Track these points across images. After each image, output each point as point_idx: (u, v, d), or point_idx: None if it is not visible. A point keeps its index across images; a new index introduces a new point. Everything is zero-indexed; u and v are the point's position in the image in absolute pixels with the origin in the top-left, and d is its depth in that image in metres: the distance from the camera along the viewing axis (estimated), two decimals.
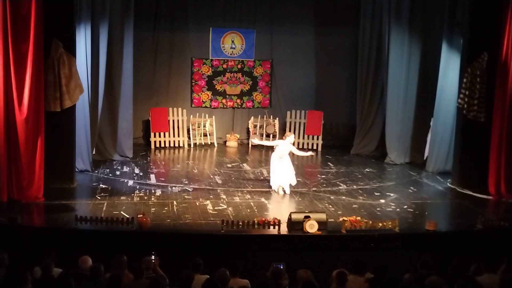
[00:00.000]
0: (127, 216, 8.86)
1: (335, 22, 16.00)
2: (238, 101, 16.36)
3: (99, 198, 10.37)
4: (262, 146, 13.02)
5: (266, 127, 15.87)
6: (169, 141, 15.38)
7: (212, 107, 16.17)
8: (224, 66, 16.16)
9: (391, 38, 14.01)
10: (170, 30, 15.62)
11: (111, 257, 6.59)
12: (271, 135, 15.35)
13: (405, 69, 14.02)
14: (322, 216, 8.83)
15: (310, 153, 12.56)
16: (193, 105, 16.00)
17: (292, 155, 11.61)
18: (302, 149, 13.67)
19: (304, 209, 10.01)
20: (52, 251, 6.88)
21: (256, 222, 8.74)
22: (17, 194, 9.89)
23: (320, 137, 15.65)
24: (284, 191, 11.00)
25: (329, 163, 14.01)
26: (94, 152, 12.89)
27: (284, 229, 8.74)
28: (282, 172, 10.94)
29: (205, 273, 6.51)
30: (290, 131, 15.04)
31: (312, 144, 15.59)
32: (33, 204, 9.86)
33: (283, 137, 11.45)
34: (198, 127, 15.59)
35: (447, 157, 12.89)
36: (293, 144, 11.46)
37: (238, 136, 16.07)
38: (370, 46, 15.15)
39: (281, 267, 6.71)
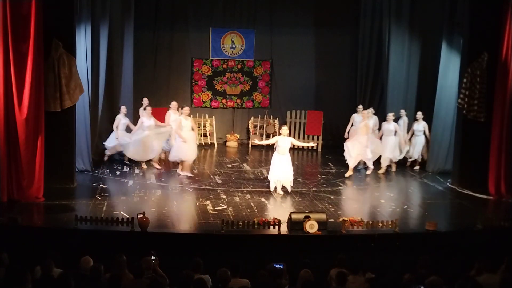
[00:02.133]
0: (127, 216, 8.86)
1: (335, 22, 16.00)
2: (238, 101, 16.37)
3: (99, 198, 10.37)
4: (262, 146, 13.01)
5: (266, 127, 15.88)
6: None
7: (212, 107, 16.18)
8: (224, 66, 16.16)
9: (391, 38, 14.04)
10: (170, 30, 15.62)
11: (111, 257, 6.59)
12: (271, 135, 15.35)
13: (405, 69, 14.04)
14: (322, 216, 8.84)
15: (312, 144, 12.68)
16: (193, 105, 15.99)
17: (293, 153, 11.65)
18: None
19: (304, 209, 10.01)
20: (53, 251, 6.87)
21: (256, 222, 8.74)
22: (17, 194, 9.89)
23: (320, 137, 15.65)
24: (284, 190, 11.00)
25: (329, 163, 14.00)
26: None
27: (284, 229, 8.74)
28: (281, 168, 10.94)
29: (205, 273, 6.51)
30: (288, 129, 14.94)
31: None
32: (33, 204, 9.86)
33: (279, 133, 11.55)
34: (198, 127, 15.59)
35: (447, 157, 12.90)
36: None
37: (238, 136, 16.07)
38: (370, 46, 15.16)
39: (281, 267, 6.70)
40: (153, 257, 6.71)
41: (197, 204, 10.30)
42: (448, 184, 12.14)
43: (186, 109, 12.35)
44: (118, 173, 12.42)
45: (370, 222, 8.87)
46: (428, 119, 13.42)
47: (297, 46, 16.22)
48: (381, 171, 13.00)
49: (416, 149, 13.38)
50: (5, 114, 9.65)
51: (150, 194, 10.79)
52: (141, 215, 8.63)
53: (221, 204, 10.27)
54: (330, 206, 10.36)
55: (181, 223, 9.23)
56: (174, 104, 12.97)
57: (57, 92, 10.41)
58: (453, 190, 11.76)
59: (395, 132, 13.12)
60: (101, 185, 11.22)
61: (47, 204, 9.89)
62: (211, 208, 10.01)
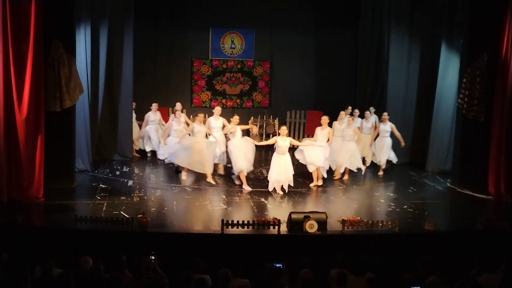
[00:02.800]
0: (127, 216, 8.86)
1: (335, 22, 16.00)
2: (238, 101, 16.37)
3: (99, 198, 10.36)
4: (262, 146, 12.99)
5: (266, 127, 15.87)
6: None
7: (212, 107, 16.15)
8: (224, 66, 16.16)
9: (391, 38, 14.05)
10: (170, 30, 15.62)
11: (111, 257, 6.59)
12: (271, 135, 15.34)
13: (405, 69, 14.05)
14: (322, 216, 8.83)
15: (313, 143, 12.53)
16: (193, 105, 16.01)
17: (293, 153, 11.67)
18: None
19: (304, 209, 10.01)
20: (53, 251, 6.87)
21: (256, 222, 8.74)
22: (17, 194, 9.89)
23: None
24: (283, 190, 10.99)
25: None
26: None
27: (284, 229, 8.74)
28: (280, 168, 10.94)
29: (205, 273, 6.51)
30: (287, 129, 14.73)
31: None
32: (33, 204, 9.86)
33: (278, 133, 11.54)
34: None
35: (447, 157, 12.90)
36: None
37: None
38: (370, 46, 15.16)
39: (281, 267, 6.71)
40: (153, 257, 6.71)
41: (197, 204, 10.30)
42: (448, 184, 12.14)
43: (236, 118, 11.70)
44: (118, 173, 12.42)
45: (370, 222, 8.87)
46: (428, 119, 13.43)
47: (297, 46, 16.22)
48: (337, 177, 12.26)
49: (384, 151, 12.81)
50: (5, 114, 9.65)
51: (150, 194, 10.79)
52: (141, 215, 8.63)
53: (221, 204, 10.27)
54: (330, 206, 10.36)
55: (181, 223, 9.22)
56: (218, 109, 12.27)
57: (57, 92, 10.41)
58: (453, 190, 11.77)
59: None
60: (101, 185, 11.22)
61: (47, 204, 9.88)
62: (211, 208, 10.01)
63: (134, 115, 14.17)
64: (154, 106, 13.93)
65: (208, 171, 11.66)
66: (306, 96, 16.38)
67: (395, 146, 13.10)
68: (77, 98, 10.79)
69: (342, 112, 12.83)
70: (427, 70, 13.77)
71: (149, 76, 15.59)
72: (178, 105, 13.37)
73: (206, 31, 15.84)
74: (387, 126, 12.84)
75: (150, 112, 13.87)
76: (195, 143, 11.69)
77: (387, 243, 8.68)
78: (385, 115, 12.94)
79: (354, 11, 15.69)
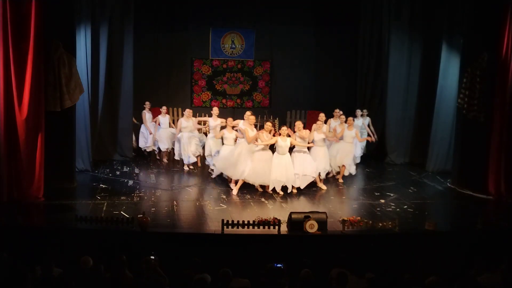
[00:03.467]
0: (127, 216, 8.86)
1: (335, 22, 15.96)
2: (238, 101, 16.37)
3: (99, 198, 10.37)
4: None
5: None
6: None
7: (212, 107, 16.15)
8: (224, 66, 16.16)
9: (391, 38, 14.05)
10: (170, 30, 15.60)
11: (111, 257, 6.59)
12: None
13: (405, 69, 14.04)
14: (322, 216, 8.83)
15: (311, 144, 12.47)
16: (193, 105, 15.99)
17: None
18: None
19: (304, 209, 10.00)
20: (53, 251, 6.87)
21: (256, 222, 8.74)
22: (17, 194, 9.89)
23: None
24: (284, 191, 10.98)
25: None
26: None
27: (284, 229, 8.74)
28: (281, 169, 10.93)
29: (205, 273, 6.50)
30: (287, 130, 14.39)
31: None
32: (33, 204, 9.86)
33: (278, 133, 11.52)
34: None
35: (447, 157, 12.90)
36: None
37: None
38: (370, 46, 15.15)
39: (281, 267, 6.71)
40: (153, 257, 6.71)
41: (197, 204, 10.30)
42: (448, 184, 12.14)
43: (268, 124, 11.25)
44: (118, 173, 12.42)
45: (370, 222, 8.86)
46: (428, 119, 13.42)
47: (297, 46, 16.20)
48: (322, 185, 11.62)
49: (346, 158, 12.12)
50: (5, 114, 9.66)
51: (150, 194, 10.79)
52: (141, 215, 8.63)
53: (221, 204, 10.27)
54: (330, 206, 10.35)
55: (181, 223, 9.22)
56: (251, 117, 11.62)
57: (57, 92, 10.41)
58: (453, 190, 11.77)
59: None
60: (101, 185, 11.22)
61: (47, 204, 9.89)
62: (211, 208, 10.00)
63: (167, 119, 13.92)
64: (187, 112, 13.28)
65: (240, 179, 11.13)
66: (306, 96, 16.36)
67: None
68: (77, 98, 10.79)
69: (321, 114, 12.16)
70: (427, 70, 13.77)
71: (149, 76, 15.56)
72: (216, 110, 12.90)
73: (206, 31, 15.83)
74: (352, 132, 12.31)
75: (182, 119, 13.31)
76: (238, 155, 11.17)
77: (387, 243, 8.68)
78: (350, 120, 12.43)
79: (354, 11, 15.67)
